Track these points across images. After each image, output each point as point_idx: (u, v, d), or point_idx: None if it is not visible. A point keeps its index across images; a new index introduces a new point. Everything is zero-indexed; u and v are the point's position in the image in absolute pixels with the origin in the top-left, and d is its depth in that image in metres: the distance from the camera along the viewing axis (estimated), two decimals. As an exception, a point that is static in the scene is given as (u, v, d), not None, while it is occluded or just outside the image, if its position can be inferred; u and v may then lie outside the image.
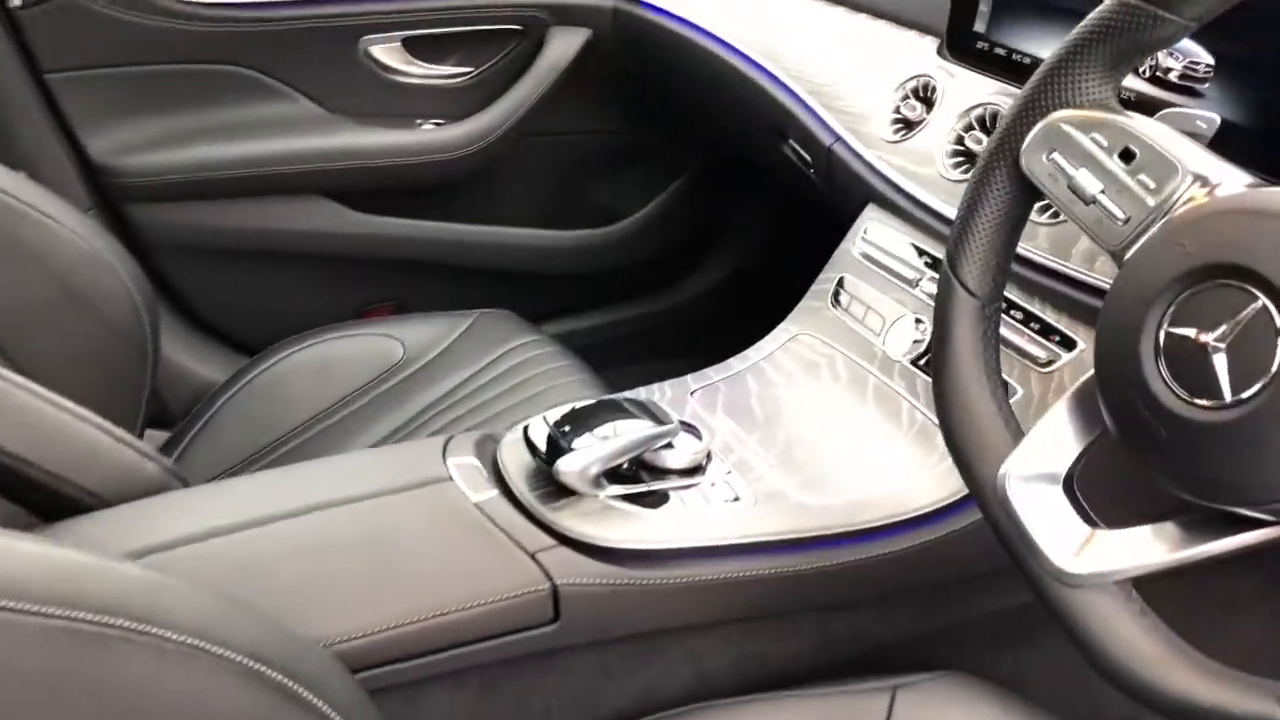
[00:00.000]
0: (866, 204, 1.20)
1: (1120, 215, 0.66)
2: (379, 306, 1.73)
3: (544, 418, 0.89)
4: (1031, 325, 1.00)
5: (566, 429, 0.87)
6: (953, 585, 1.04)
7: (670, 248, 1.92)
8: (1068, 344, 0.97)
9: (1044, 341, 0.98)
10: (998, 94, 1.09)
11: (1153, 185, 0.65)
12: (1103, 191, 0.67)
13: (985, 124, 1.09)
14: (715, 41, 1.48)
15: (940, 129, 1.12)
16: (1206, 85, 0.91)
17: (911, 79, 1.18)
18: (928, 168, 1.11)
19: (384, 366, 1.31)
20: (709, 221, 1.96)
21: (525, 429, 0.92)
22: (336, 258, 1.67)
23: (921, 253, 1.12)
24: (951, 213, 1.03)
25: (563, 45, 1.63)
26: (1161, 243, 0.63)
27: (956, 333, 0.74)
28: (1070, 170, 0.68)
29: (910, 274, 1.11)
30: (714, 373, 1.15)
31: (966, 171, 1.07)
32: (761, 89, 1.36)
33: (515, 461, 0.91)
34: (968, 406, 0.74)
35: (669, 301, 1.95)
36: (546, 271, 1.82)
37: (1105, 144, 0.67)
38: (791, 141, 1.34)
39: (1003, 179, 0.72)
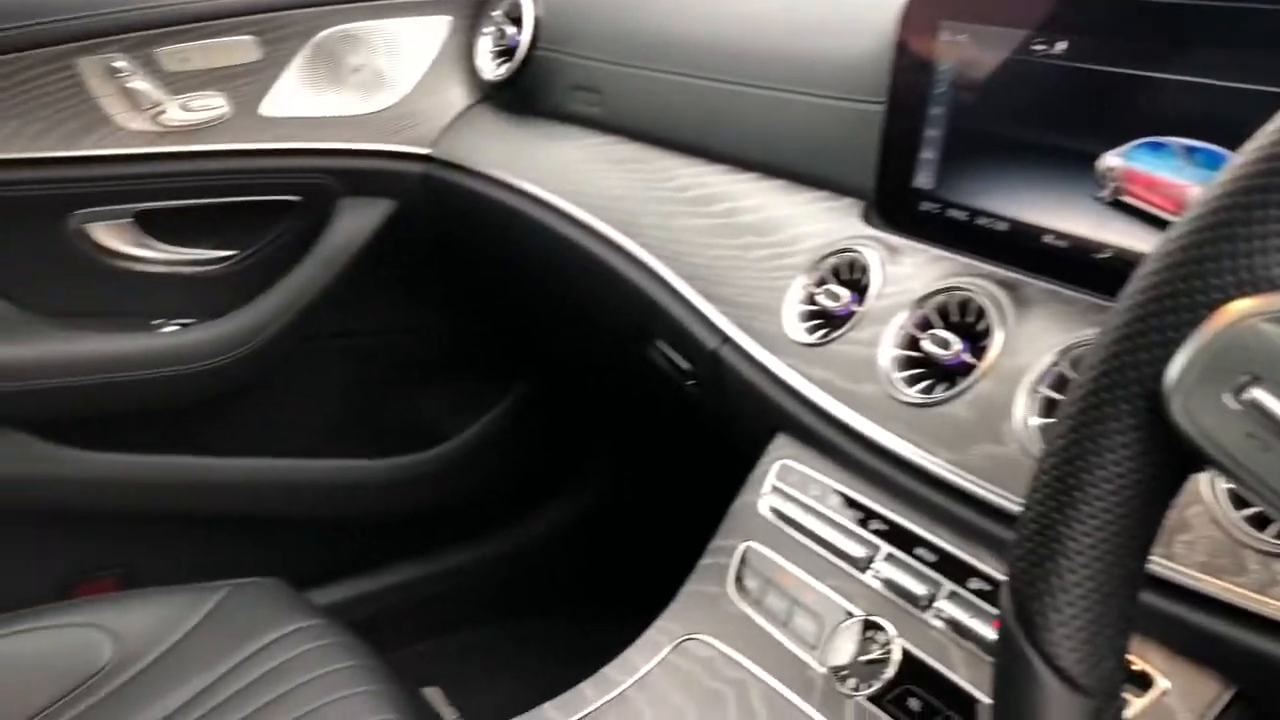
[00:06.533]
0: (774, 435, 0.82)
1: None
2: (96, 580, 1.29)
3: None
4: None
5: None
6: None
7: (500, 481, 1.54)
8: (1139, 681, 0.58)
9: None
10: (966, 274, 0.73)
11: None
12: None
13: (950, 317, 0.72)
14: (555, 214, 1.11)
15: (881, 327, 0.74)
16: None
17: (830, 255, 0.81)
18: (867, 384, 0.73)
19: (79, 677, 0.91)
20: (552, 447, 1.58)
21: None
22: (32, 511, 1.25)
23: (869, 515, 0.73)
24: (912, 452, 0.66)
25: (356, 221, 1.25)
26: None
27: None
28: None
29: (856, 550, 0.72)
30: (555, 712, 0.73)
31: (930, 390, 0.70)
32: (618, 274, 0.99)
33: None
34: None
35: (496, 551, 1.54)
36: (337, 516, 1.41)
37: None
38: (660, 344, 0.96)
39: (1129, 452, 0.33)
